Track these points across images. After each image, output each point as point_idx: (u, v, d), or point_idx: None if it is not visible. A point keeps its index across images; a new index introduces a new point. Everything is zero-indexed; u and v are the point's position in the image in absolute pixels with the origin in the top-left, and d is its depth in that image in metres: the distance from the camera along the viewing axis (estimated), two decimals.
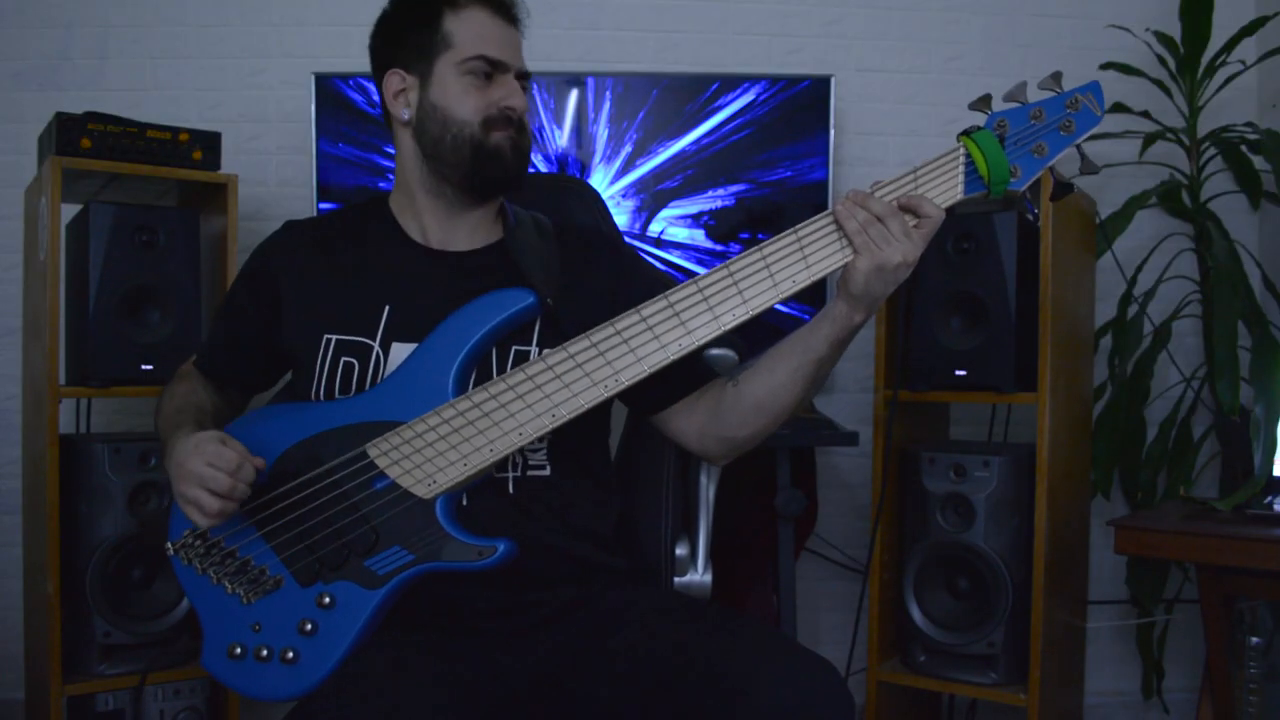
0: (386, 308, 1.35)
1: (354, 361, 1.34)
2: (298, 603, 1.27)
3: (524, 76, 1.40)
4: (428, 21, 1.35)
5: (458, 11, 1.35)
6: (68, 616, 1.95)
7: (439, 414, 1.25)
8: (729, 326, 1.22)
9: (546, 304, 1.33)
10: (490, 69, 1.35)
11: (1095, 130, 2.50)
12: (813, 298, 2.41)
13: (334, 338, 1.35)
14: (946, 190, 1.19)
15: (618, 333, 1.23)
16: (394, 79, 1.39)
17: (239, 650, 1.28)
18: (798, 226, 1.22)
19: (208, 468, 1.21)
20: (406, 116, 1.38)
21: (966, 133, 1.19)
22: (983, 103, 1.19)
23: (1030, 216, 2.02)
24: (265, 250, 1.44)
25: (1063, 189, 1.21)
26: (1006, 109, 1.19)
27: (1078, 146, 1.20)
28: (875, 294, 1.21)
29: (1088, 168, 1.22)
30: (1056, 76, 1.18)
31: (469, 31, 1.35)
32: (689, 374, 1.39)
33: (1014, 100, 1.19)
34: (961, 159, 1.19)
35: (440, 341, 1.30)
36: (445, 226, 1.41)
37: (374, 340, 1.34)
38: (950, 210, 1.21)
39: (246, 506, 1.28)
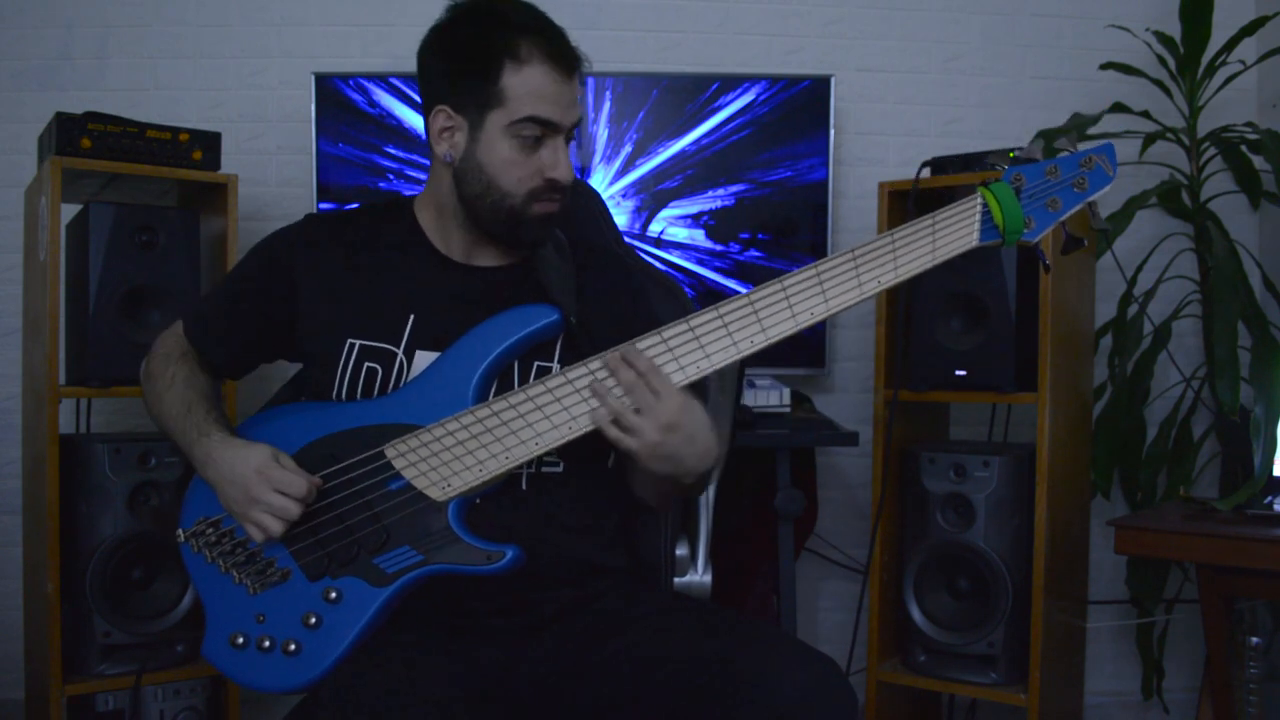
0: (411, 316, 1.36)
1: (377, 367, 1.34)
2: (304, 596, 1.27)
3: (576, 124, 1.36)
4: (487, 70, 1.30)
5: (519, 67, 1.29)
6: (68, 616, 1.95)
7: (458, 420, 1.26)
8: (746, 353, 1.23)
9: (570, 321, 1.34)
10: (541, 133, 1.31)
11: (1095, 130, 2.52)
12: None
13: (358, 343, 1.35)
14: (962, 236, 1.22)
15: (625, 350, 1.24)
16: (441, 116, 1.34)
17: (241, 640, 1.28)
18: (821, 264, 1.24)
19: (276, 495, 1.24)
20: (450, 159, 1.35)
21: (985, 184, 1.23)
22: (1000, 157, 1.25)
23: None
24: (285, 241, 1.42)
25: (1074, 243, 1.26)
26: (1023, 165, 1.23)
27: (1089, 204, 1.25)
28: (680, 465, 1.23)
29: (1098, 224, 1.28)
30: (1072, 139, 1.26)
31: (525, 89, 1.30)
32: None
33: (1030, 158, 1.24)
34: (979, 208, 1.22)
35: (464, 351, 1.31)
36: (472, 247, 1.42)
37: (398, 347, 1.35)
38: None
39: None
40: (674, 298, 1.61)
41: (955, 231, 1.22)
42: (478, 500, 1.30)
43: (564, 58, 1.31)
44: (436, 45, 1.36)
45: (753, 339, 1.23)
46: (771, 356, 2.46)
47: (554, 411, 1.25)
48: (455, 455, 1.27)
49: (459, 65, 1.32)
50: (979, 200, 1.22)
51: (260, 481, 1.24)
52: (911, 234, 1.22)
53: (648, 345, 1.23)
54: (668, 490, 1.34)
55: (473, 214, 1.37)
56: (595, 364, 1.24)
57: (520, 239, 1.37)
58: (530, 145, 1.31)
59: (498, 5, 1.33)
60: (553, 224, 1.37)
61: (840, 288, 1.22)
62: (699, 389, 1.37)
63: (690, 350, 1.23)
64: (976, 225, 1.22)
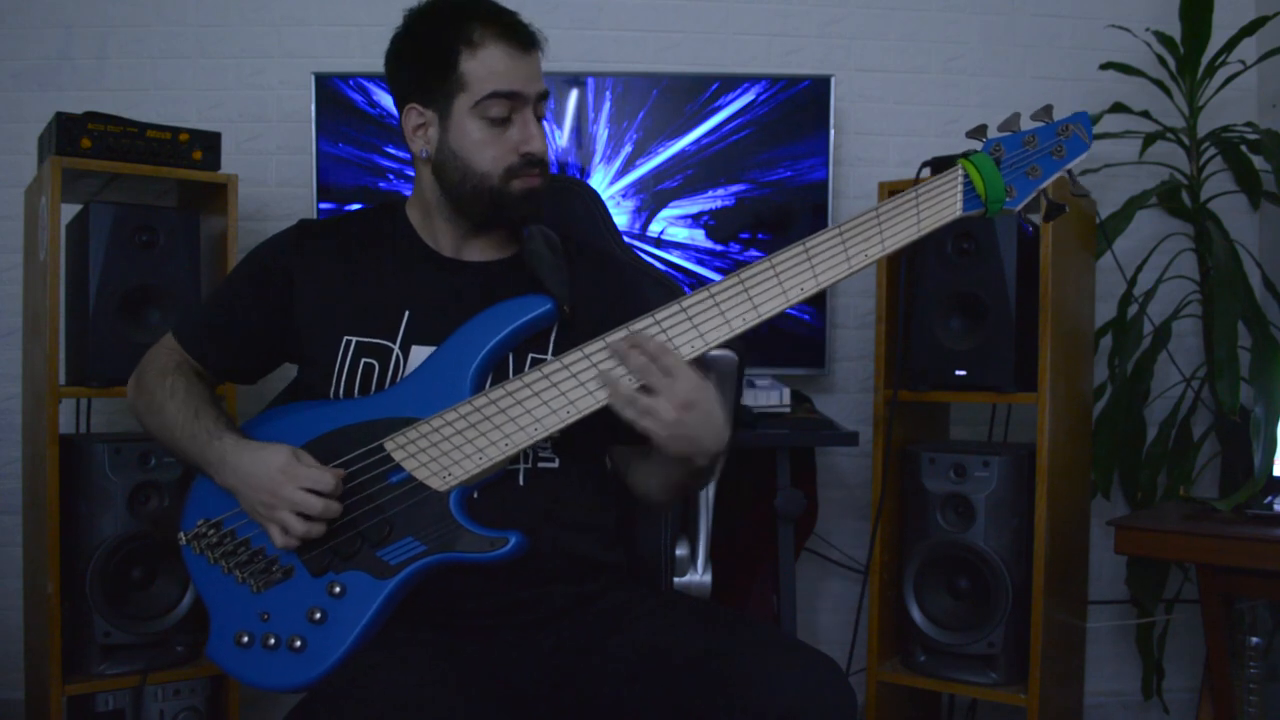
0: (406, 312, 1.37)
1: (374, 363, 1.35)
2: (308, 592, 1.27)
3: (543, 97, 1.38)
4: (445, 60, 1.32)
5: (475, 51, 1.32)
6: (68, 616, 1.95)
7: (456, 410, 1.28)
8: (739, 330, 1.25)
9: (564, 311, 1.35)
10: (507, 109, 1.33)
11: (1096, 130, 2.52)
12: (815, 298, 2.41)
13: (354, 339, 1.36)
14: (945, 208, 1.24)
15: (633, 334, 1.25)
16: (412, 114, 1.37)
17: (246, 639, 1.28)
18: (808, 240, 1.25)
19: (302, 492, 1.24)
20: (426, 154, 1.38)
21: (965, 155, 1.25)
22: (979, 131, 1.26)
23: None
24: (279, 247, 1.43)
25: (1055, 210, 1.27)
26: (1001, 136, 1.25)
27: (1068, 170, 1.26)
28: (695, 444, 1.22)
29: (1078, 189, 1.29)
30: (1048, 109, 1.25)
31: (484, 69, 1.32)
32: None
33: (1009, 129, 1.25)
34: (960, 179, 1.24)
35: (459, 343, 1.32)
36: (462, 242, 1.43)
37: (394, 343, 1.36)
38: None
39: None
40: (671, 295, 1.61)
41: (938, 203, 1.24)
42: (475, 495, 1.30)
43: (517, 35, 1.34)
44: (397, 50, 1.39)
45: (744, 316, 1.24)
46: (771, 356, 2.49)
47: (552, 397, 1.27)
48: (455, 445, 1.27)
49: (419, 62, 1.35)
50: (960, 172, 1.24)
51: (285, 481, 1.25)
52: (896, 207, 1.24)
53: (642, 327, 1.25)
54: (679, 480, 1.33)
55: (457, 204, 1.38)
56: (593, 347, 1.25)
57: (508, 219, 1.39)
58: (499, 124, 1.33)
59: (443, 4, 1.36)
60: (537, 200, 1.38)
61: (828, 262, 1.23)
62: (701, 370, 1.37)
63: (684, 331, 1.24)
64: (959, 196, 1.24)
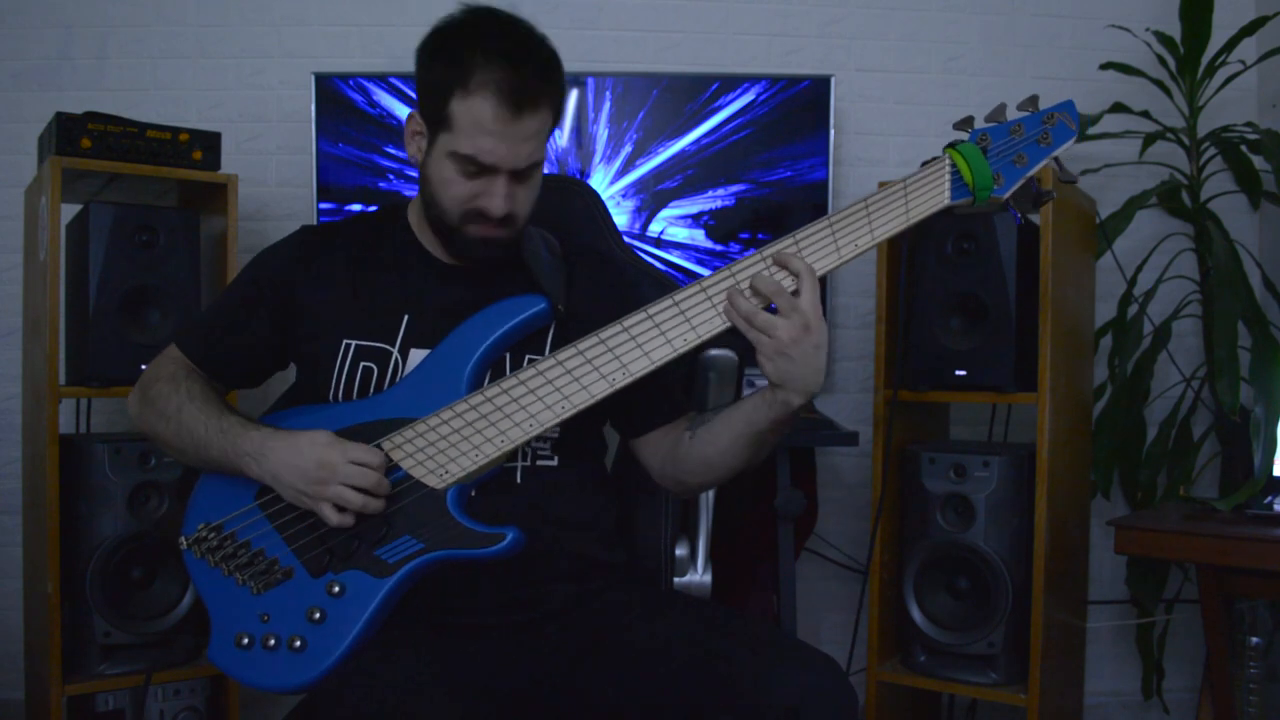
0: (405, 316, 1.38)
1: (373, 366, 1.36)
2: (308, 592, 1.28)
3: (530, 167, 1.33)
4: (440, 92, 1.30)
5: (467, 96, 1.28)
6: (68, 616, 1.95)
7: (452, 409, 1.28)
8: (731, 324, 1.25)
9: (559, 311, 1.36)
10: (478, 168, 1.31)
11: (1095, 130, 2.51)
12: None
13: (354, 343, 1.36)
14: (933, 197, 1.25)
15: (625, 329, 1.26)
16: (413, 120, 1.38)
17: (246, 640, 1.29)
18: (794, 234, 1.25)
19: (353, 466, 1.25)
20: (416, 160, 1.39)
21: (952, 145, 1.26)
22: (965, 122, 1.27)
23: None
24: (281, 254, 1.44)
25: (1045, 196, 1.29)
26: (988, 126, 1.27)
27: (1055, 158, 1.28)
28: (797, 374, 1.21)
29: (1065, 176, 1.31)
30: (1033, 99, 1.28)
31: (470, 121, 1.28)
32: (668, 405, 1.44)
33: (995, 119, 1.27)
34: (948, 168, 1.25)
35: (455, 344, 1.33)
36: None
37: (393, 346, 1.36)
38: (947, 211, 1.26)
39: (265, 500, 1.32)
40: None
41: (927, 192, 1.25)
42: (473, 493, 1.31)
43: (514, 95, 1.27)
44: (421, 51, 1.37)
45: None
46: None
47: (547, 393, 1.28)
48: (451, 443, 1.28)
49: (424, 79, 1.35)
50: (947, 161, 1.25)
51: (335, 454, 1.25)
52: (885, 198, 1.25)
53: (635, 322, 1.25)
54: (761, 428, 1.29)
55: (431, 220, 1.38)
56: (587, 343, 1.26)
57: (461, 253, 1.38)
58: (471, 172, 1.31)
59: (474, 24, 1.33)
60: (494, 248, 1.36)
61: (819, 253, 1.24)
62: (698, 383, 1.36)
63: (677, 325, 1.25)
64: (947, 185, 1.25)
